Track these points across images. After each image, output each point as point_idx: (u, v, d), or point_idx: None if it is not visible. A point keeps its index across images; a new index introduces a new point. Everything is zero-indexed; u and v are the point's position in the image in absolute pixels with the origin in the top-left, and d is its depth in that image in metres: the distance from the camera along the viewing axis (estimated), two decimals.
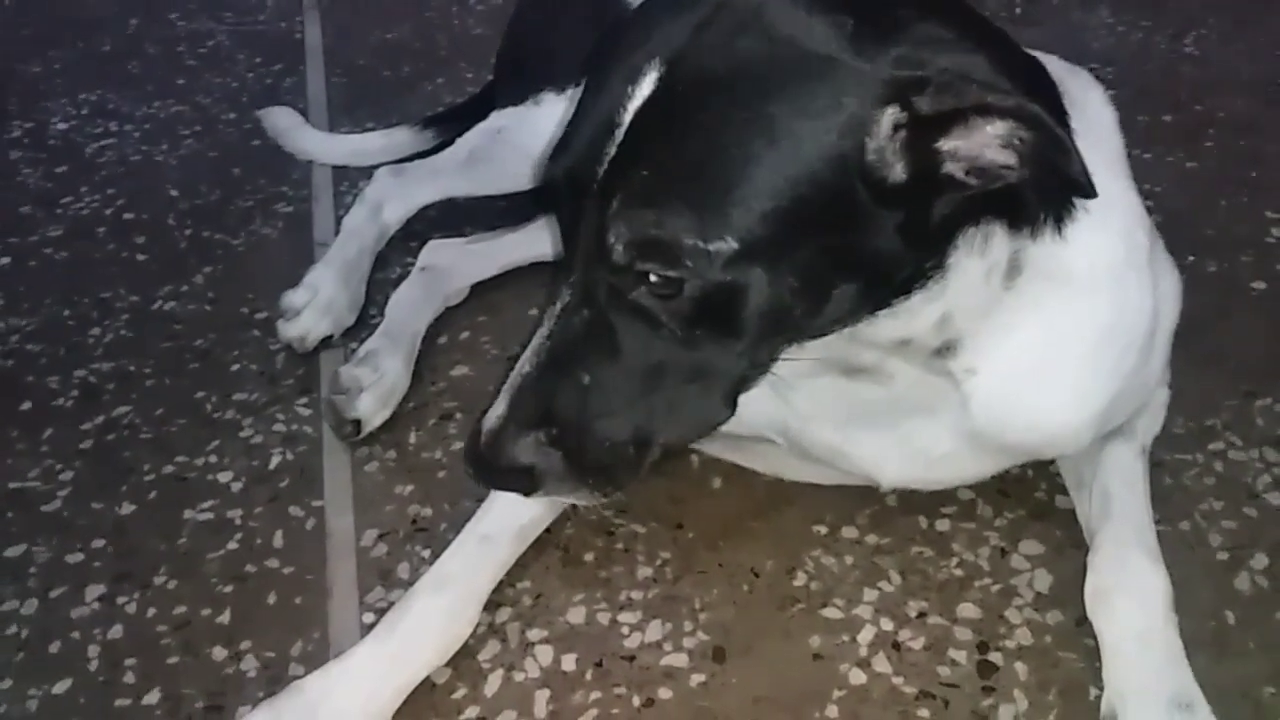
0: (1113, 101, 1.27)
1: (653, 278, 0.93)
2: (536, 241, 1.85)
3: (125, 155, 2.30)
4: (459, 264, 1.82)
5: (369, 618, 1.33)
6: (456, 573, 1.28)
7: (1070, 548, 1.34)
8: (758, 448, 1.38)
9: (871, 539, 1.39)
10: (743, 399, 1.04)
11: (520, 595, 1.35)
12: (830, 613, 1.30)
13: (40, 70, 2.67)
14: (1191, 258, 1.76)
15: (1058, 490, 1.41)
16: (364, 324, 1.77)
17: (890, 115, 0.89)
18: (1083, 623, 1.22)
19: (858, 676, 1.24)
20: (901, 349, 1.10)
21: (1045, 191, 1.04)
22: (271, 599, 1.37)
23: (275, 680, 1.26)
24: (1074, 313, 1.13)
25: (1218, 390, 1.55)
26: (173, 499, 1.52)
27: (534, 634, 1.30)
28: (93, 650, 1.32)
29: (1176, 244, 1.35)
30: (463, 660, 1.27)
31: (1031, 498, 1.42)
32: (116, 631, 1.34)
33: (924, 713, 1.20)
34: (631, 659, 1.27)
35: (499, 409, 1.02)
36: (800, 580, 1.34)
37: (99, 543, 1.46)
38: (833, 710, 1.21)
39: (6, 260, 2.02)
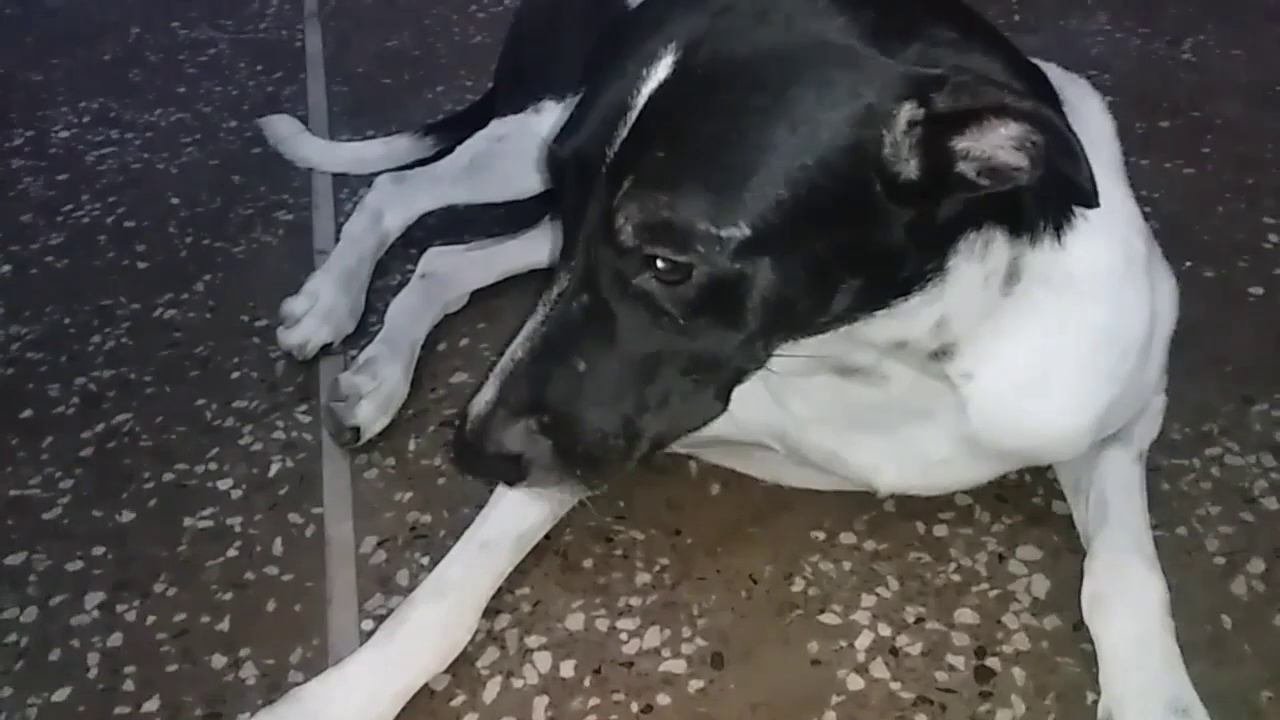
0: (1110, 108, 1.27)
1: (660, 263, 0.92)
2: (536, 249, 1.85)
3: (126, 163, 2.31)
4: (459, 271, 1.83)
5: (368, 625, 1.33)
6: (455, 580, 1.28)
7: (1067, 553, 1.35)
8: (756, 454, 1.38)
9: (869, 545, 1.39)
10: (741, 404, 1.04)
11: (519, 602, 1.35)
12: (828, 618, 1.31)
13: (41, 78, 2.67)
14: (1189, 263, 1.77)
15: (1055, 496, 1.42)
16: (364, 331, 1.77)
17: (907, 111, 0.89)
18: (1080, 628, 1.22)
19: (856, 682, 1.24)
20: (898, 351, 1.10)
21: (1047, 198, 1.04)
22: (271, 606, 1.38)
23: (274, 687, 1.27)
24: (1072, 319, 1.13)
25: (1215, 396, 1.55)
26: (173, 506, 1.52)
27: (533, 640, 1.30)
28: (92, 658, 1.33)
29: (1174, 250, 1.35)
30: (461, 667, 1.27)
31: (1029, 503, 1.42)
32: (116, 639, 1.35)
33: (922, 718, 1.20)
34: (630, 665, 1.27)
35: (487, 394, 1.00)
36: (798, 586, 1.34)
37: (99, 550, 1.46)
38: (830, 716, 1.21)
39: (8, 268, 2.02)
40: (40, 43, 2.83)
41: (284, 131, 2.24)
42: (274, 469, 1.57)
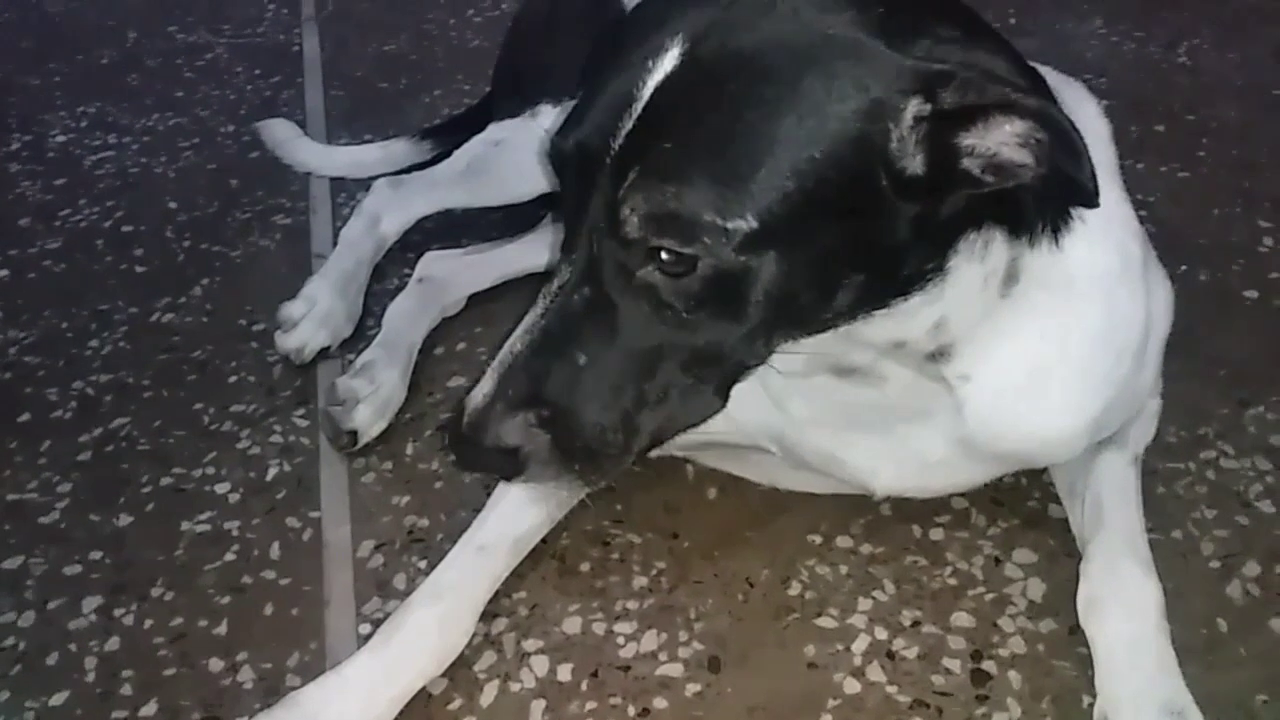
0: (1106, 111, 1.28)
1: (664, 255, 0.92)
2: (534, 252, 1.86)
3: (124, 167, 2.31)
4: (456, 275, 1.83)
5: (365, 628, 1.33)
6: (453, 583, 1.28)
7: (1063, 556, 1.35)
8: (753, 457, 1.38)
9: (866, 548, 1.39)
10: (738, 405, 1.04)
11: (516, 605, 1.35)
12: (825, 622, 1.31)
13: (39, 83, 2.68)
14: (1184, 267, 1.77)
15: (1051, 499, 1.42)
16: (361, 335, 1.77)
17: (914, 106, 0.89)
18: (1076, 631, 1.23)
19: (852, 686, 1.24)
20: (896, 351, 1.10)
21: (1047, 199, 1.05)
22: (268, 610, 1.38)
23: (272, 691, 1.27)
24: (1068, 322, 1.13)
25: (1210, 399, 1.56)
26: (170, 510, 1.52)
27: (530, 644, 1.31)
28: (90, 662, 1.33)
29: (1169, 253, 1.36)
30: (459, 670, 1.27)
31: (1025, 507, 1.43)
32: (114, 643, 1.35)
33: None
34: (627, 669, 1.27)
35: (485, 387, 0.99)
36: (795, 589, 1.35)
37: (96, 554, 1.46)
38: (827, 719, 1.21)
39: (5, 272, 2.02)
40: (38, 47, 2.83)
41: (281, 135, 2.24)
42: (271, 473, 1.57)
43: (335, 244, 1.88)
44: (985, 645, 1.27)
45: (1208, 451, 1.49)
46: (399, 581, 1.39)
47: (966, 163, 0.92)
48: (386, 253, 1.90)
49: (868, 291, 0.98)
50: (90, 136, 2.43)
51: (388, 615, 1.27)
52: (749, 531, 1.42)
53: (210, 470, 1.58)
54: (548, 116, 1.70)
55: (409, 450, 1.59)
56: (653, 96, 0.92)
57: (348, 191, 2.13)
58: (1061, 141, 0.89)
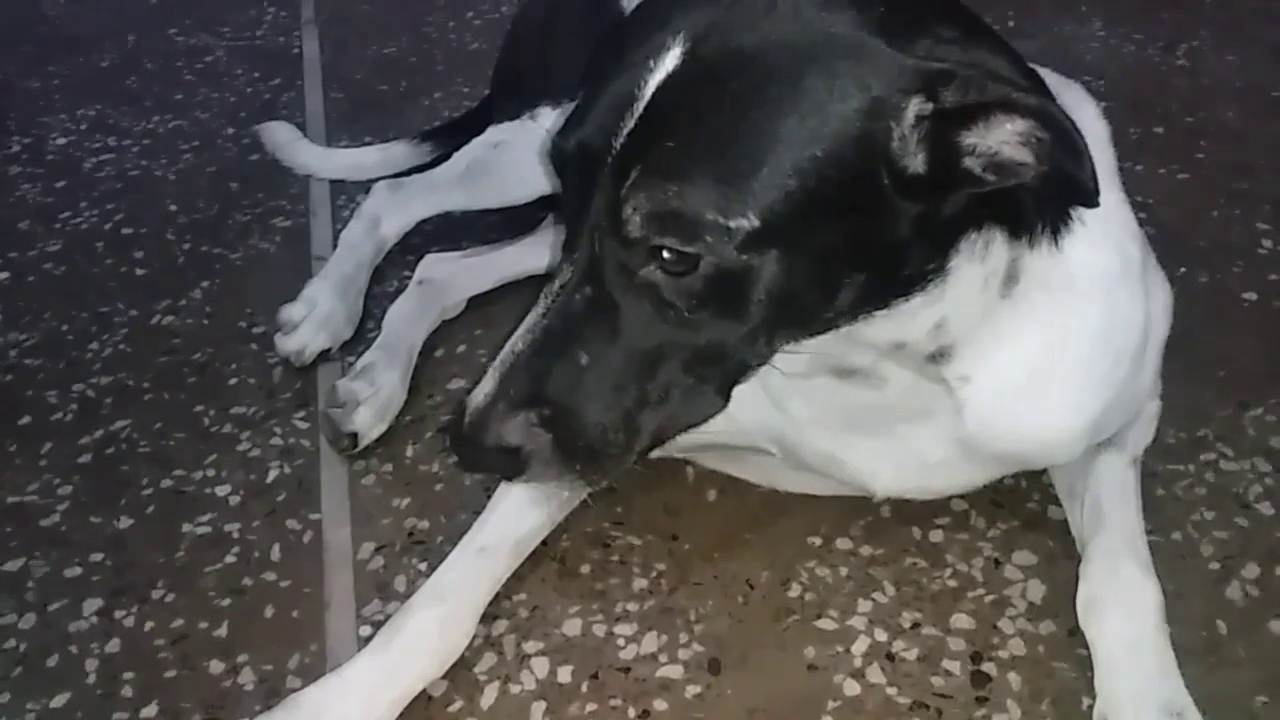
0: (1105, 113, 1.28)
1: (666, 254, 0.92)
2: (534, 255, 1.86)
3: (124, 170, 2.31)
4: (456, 277, 1.83)
5: (366, 630, 1.33)
6: (453, 585, 1.28)
7: (1063, 558, 1.35)
8: (753, 459, 1.39)
9: (866, 550, 1.39)
10: (739, 407, 1.04)
11: (516, 607, 1.35)
12: (825, 624, 1.31)
13: (39, 86, 2.68)
14: (1183, 269, 1.78)
15: (1050, 501, 1.42)
16: (361, 337, 1.78)
17: (916, 105, 0.90)
18: (1075, 633, 1.23)
19: (852, 687, 1.24)
20: (896, 352, 1.10)
21: (1047, 199, 1.05)
22: (269, 612, 1.38)
23: (272, 693, 1.27)
24: (1068, 323, 1.14)
25: (1209, 401, 1.56)
26: (171, 513, 1.52)
27: (530, 646, 1.31)
28: (91, 664, 1.33)
29: (1168, 255, 1.36)
30: (459, 672, 1.27)
31: (1024, 508, 1.43)
32: (114, 645, 1.35)
33: None
34: (627, 671, 1.27)
35: (487, 386, 0.99)
36: (795, 591, 1.35)
37: (97, 556, 1.46)
38: None
39: (5, 275, 2.02)
40: (38, 50, 2.84)
41: (281, 138, 2.24)
42: (272, 475, 1.57)
43: (335, 246, 1.89)
44: (985, 647, 1.27)
45: (1207, 453, 1.49)
46: (399, 583, 1.39)
47: (968, 161, 0.92)
48: (386, 255, 1.90)
49: (869, 291, 0.98)
50: (90, 139, 2.43)
51: (388, 617, 1.28)
52: (749, 533, 1.42)
53: (211, 472, 1.58)
54: (547, 118, 1.70)
55: (409, 452, 1.59)
56: (654, 96, 0.92)
57: (348, 194, 2.13)
58: (1062, 140, 0.89)
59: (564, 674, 1.27)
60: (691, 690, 1.25)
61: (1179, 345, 1.32)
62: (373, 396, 1.59)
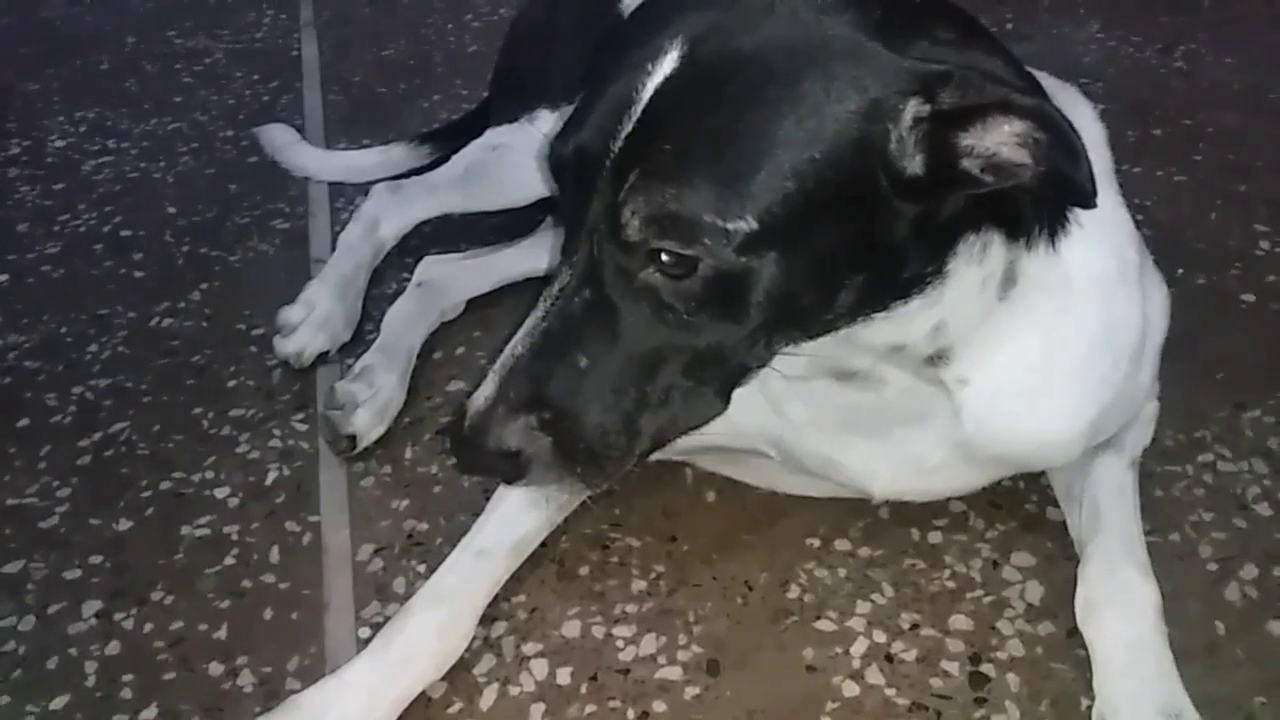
0: (1102, 115, 1.28)
1: (665, 256, 0.92)
2: (532, 257, 1.86)
3: (123, 172, 2.31)
4: (454, 279, 1.83)
5: (365, 632, 1.33)
6: (452, 587, 1.28)
7: (1061, 559, 1.35)
8: (751, 461, 1.39)
9: (864, 551, 1.39)
10: (738, 410, 1.04)
11: (515, 609, 1.35)
12: (823, 625, 1.31)
13: (38, 88, 2.68)
14: (1181, 271, 1.78)
15: (1049, 502, 1.42)
16: (360, 339, 1.78)
17: (913, 106, 0.90)
18: (1074, 634, 1.23)
19: (851, 688, 1.24)
20: (894, 355, 1.10)
21: (1044, 201, 1.05)
22: (268, 614, 1.38)
23: (272, 695, 1.27)
24: (1065, 325, 1.14)
25: (1207, 402, 1.56)
26: (170, 515, 1.52)
27: (529, 648, 1.31)
28: (90, 666, 1.33)
29: (1166, 257, 1.36)
30: (458, 674, 1.27)
31: (1022, 510, 1.43)
32: (114, 648, 1.35)
33: None
34: (626, 672, 1.28)
35: (487, 390, 0.99)
36: (794, 593, 1.35)
37: (96, 559, 1.46)
38: None
39: (4, 277, 2.02)
40: (37, 53, 2.84)
41: (280, 140, 2.24)
42: (271, 477, 1.57)
43: (334, 248, 1.89)
44: (984, 648, 1.27)
45: (1205, 454, 1.50)
46: (398, 585, 1.40)
47: (965, 163, 0.92)
48: (385, 257, 1.91)
49: (868, 293, 0.99)
50: (89, 141, 2.44)
51: (387, 619, 1.28)
52: (748, 535, 1.42)
53: (210, 475, 1.58)
54: (546, 121, 1.70)
55: (408, 454, 1.59)
56: (652, 99, 0.92)
57: (346, 196, 2.13)
58: (1059, 141, 0.89)
59: (563, 675, 1.28)
60: (690, 692, 1.25)
61: (1177, 347, 1.32)
62: (371, 398, 1.59)
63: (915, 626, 1.30)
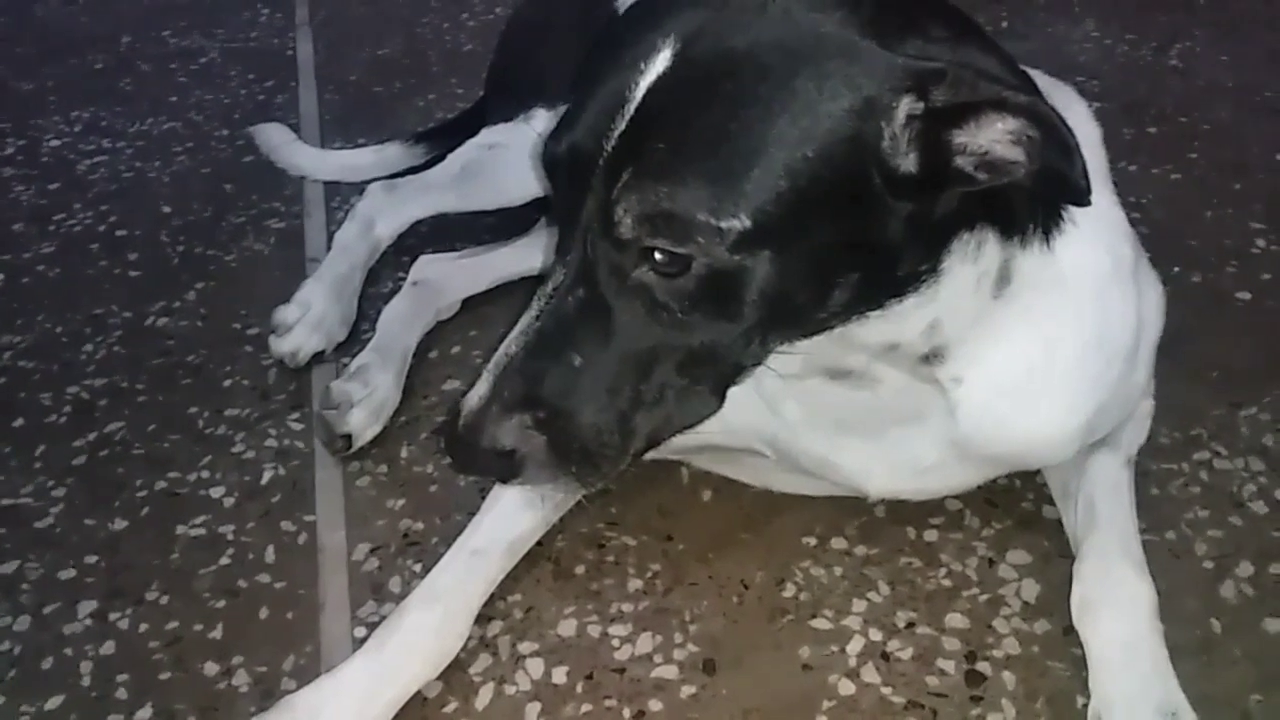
0: (1098, 113, 1.28)
1: (658, 255, 0.92)
2: (528, 256, 1.86)
3: (118, 172, 2.31)
4: (450, 279, 1.83)
5: (360, 632, 1.33)
6: (448, 586, 1.28)
7: (1057, 557, 1.35)
8: (747, 460, 1.38)
9: (860, 550, 1.39)
10: (733, 409, 1.04)
11: (511, 608, 1.35)
12: (819, 624, 1.31)
13: (33, 88, 2.68)
14: (1176, 268, 1.78)
15: (1044, 500, 1.42)
16: (356, 339, 1.78)
17: (906, 104, 0.90)
18: (1070, 632, 1.23)
19: (847, 687, 1.24)
20: (889, 353, 1.10)
21: (1039, 199, 1.05)
22: (263, 614, 1.38)
23: (267, 695, 1.27)
24: (1060, 324, 1.14)
25: (1203, 400, 1.56)
26: (165, 515, 1.52)
27: (525, 647, 1.31)
28: (85, 666, 1.33)
29: (1162, 255, 1.36)
30: (454, 674, 1.27)
31: (1018, 508, 1.43)
32: (109, 648, 1.35)
33: None
34: (622, 671, 1.27)
35: (481, 389, 0.99)
36: (790, 591, 1.35)
37: (91, 559, 1.46)
38: None
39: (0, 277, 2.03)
40: (31, 52, 2.84)
41: (276, 140, 2.24)
42: (266, 477, 1.57)
43: (329, 248, 1.89)
44: (980, 646, 1.27)
45: (1201, 452, 1.49)
46: (394, 585, 1.39)
47: (959, 160, 0.92)
48: (381, 256, 1.91)
49: (862, 292, 0.98)
50: (84, 141, 2.43)
51: (383, 619, 1.27)
52: (744, 534, 1.42)
53: (205, 474, 1.58)
54: (541, 120, 1.70)
55: (404, 454, 1.59)
56: (645, 97, 0.92)
57: (342, 195, 2.13)
58: (1053, 138, 0.89)
59: (559, 675, 1.27)
60: (686, 691, 1.25)
61: (1172, 345, 1.32)
62: (367, 398, 1.59)
63: (911, 625, 1.30)
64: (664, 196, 0.90)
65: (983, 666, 1.25)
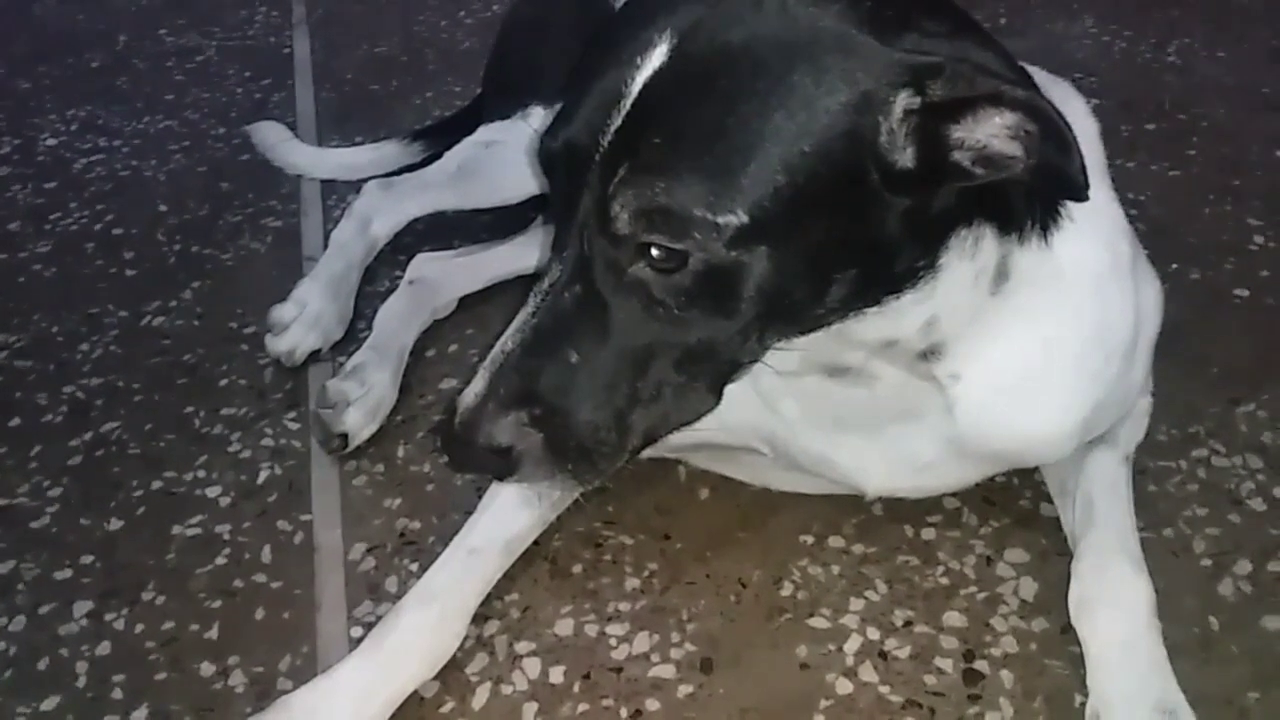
0: (1096, 110, 1.28)
1: (655, 251, 0.91)
2: (525, 254, 1.85)
3: (114, 171, 2.31)
4: (447, 277, 1.83)
5: (357, 632, 1.33)
6: (444, 586, 1.28)
7: (1055, 555, 1.35)
8: (744, 458, 1.38)
9: (858, 548, 1.39)
10: (730, 407, 1.04)
11: (508, 608, 1.35)
12: (817, 622, 1.31)
13: (29, 86, 2.67)
14: (1174, 265, 1.78)
15: (1042, 498, 1.42)
16: (352, 338, 1.77)
17: (903, 99, 0.89)
18: (1068, 630, 1.23)
19: (844, 686, 1.24)
20: (887, 350, 1.10)
21: (1036, 195, 1.05)
22: (260, 614, 1.37)
23: (263, 695, 1.27)
24: (1058, 321, 1.14)
25: (1201, 397, 1.56)
26: (161, 514, 1.52)
27: (522, 646, 1.30)
28: (81, 667, 1.32)
29: (1159, 252, 1.36)
30: (451, 673, 1.27)
31: (1016, 506, 1.43)
32: (105, 648, 1.34)
33: None
34: (619, 670, 1.27)
35: (477, 386, 0.99)
36: (787, 590, 1.35)
37: (87, 559, 1.46)
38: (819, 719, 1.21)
39: None
40: (28, 50, 2.83)
41: (272, 138, 2.24)
42: (262, 476, 1.57)
43: (326, 246, 1.88)
44: (977, 645, 1.27)
45: (1199, 450, 1.49)
46: (391, 584, 1.39)
47: (956, 155, 0.92)
48: (377, 255, 1.90)
49: (860, 288, 0.98)
50: (80, 140, 2.43)
51: (379, 618, 1.27)
52: (741, 532, 1.42)
53: (201, 474, 1.57)
54: (538, 118, 1.69)
55: (400, 453, 1.58)
56: (641, 93, 0.91)
57: (339, 194, 2.13)
58: (1051, 133, 0.89)
59: (556, 674, 1.27)
60: (684, 690, 1.25)
61: (1170, 342, 1.32)
62: (363, 397, 1.59)
63: (909, 623, 1.30)
64: (660, 192, 0.89)
65: (980, 665, 1.25)
